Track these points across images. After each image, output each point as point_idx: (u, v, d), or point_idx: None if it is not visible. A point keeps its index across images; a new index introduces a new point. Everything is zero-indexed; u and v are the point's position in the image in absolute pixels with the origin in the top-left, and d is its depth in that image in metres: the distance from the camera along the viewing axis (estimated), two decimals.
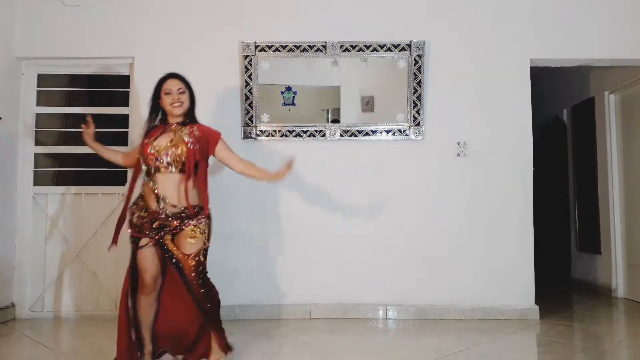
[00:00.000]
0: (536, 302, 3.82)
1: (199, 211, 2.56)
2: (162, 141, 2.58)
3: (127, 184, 2.76)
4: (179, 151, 2.53)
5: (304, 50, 3.89)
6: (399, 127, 3.87)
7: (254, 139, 3.88)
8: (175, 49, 3.94)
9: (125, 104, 4.04)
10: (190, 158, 2.53)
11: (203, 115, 3.88)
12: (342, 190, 3.88)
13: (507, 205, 3.87)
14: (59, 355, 2.97)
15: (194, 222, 2.52)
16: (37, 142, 4.07)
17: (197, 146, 2.57)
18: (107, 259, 3.94)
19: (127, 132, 4.00)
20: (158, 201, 2.52)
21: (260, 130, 3.88)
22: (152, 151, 2.55)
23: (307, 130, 3.88)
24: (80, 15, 3.97)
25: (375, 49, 3.88)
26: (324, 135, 3.88)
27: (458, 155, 3.89)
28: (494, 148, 3.89)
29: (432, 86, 3.88)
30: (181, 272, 2.49)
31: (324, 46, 3.88)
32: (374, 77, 3.95)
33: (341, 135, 3.88)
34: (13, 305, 3.90)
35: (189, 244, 2.50)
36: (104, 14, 3.96)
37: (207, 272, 2.58)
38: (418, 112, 3.86)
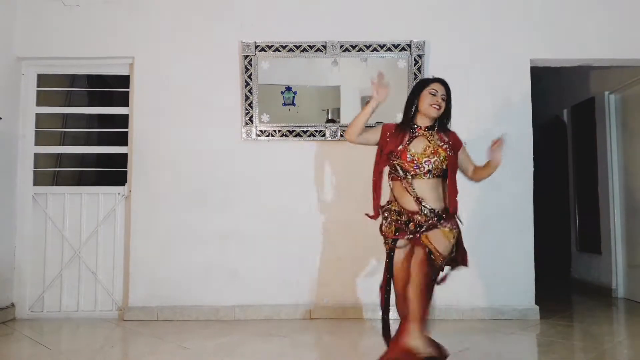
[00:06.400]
0: (536, 302, 3.82)
1: (453, 215, 2.56)
2: (418, 147, 2.59)
3: (372, 179, 2.81)
4: (440, 158, 2.56)
5: (304, 50, 3.89)
6: None
7: (254, 139, 3.88)
8: (175, 49, 3.94)
9: (125, 104, 4.03)
10: (452, 165, 2.57)
11: (203, 115, 3.94)
12: (343, 191, 3.88)
13: (507, 205, 3.86)
14: (59, 355, 2.97)
15: (449, 225, 2.51)
16: (37, 142, 4.07)
17: (452, 152, 2.60)
18: (106, 258, 3.95)
19: (127, 132, 4.00)
20: (417, 203, 2.53)
21: (260, 130, 3.88)
22: (411, 158, 2.56)
23: (307, 130, 3.88)
24: (80, 15, 3.97)
25: (375, 49, 3.88)
26: (324, 135, 3.88)
27: None
28: None
29: None
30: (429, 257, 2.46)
31: (324, 46, 3.88)
32: (374, 77, 3.94)
33: (341, 135, 3.88)
34: (13, 305, 3.89)
35: (442, 242, 2.48)
36: (104, 14, 3.96)
37: (433, 279, 2.53)
38: None
